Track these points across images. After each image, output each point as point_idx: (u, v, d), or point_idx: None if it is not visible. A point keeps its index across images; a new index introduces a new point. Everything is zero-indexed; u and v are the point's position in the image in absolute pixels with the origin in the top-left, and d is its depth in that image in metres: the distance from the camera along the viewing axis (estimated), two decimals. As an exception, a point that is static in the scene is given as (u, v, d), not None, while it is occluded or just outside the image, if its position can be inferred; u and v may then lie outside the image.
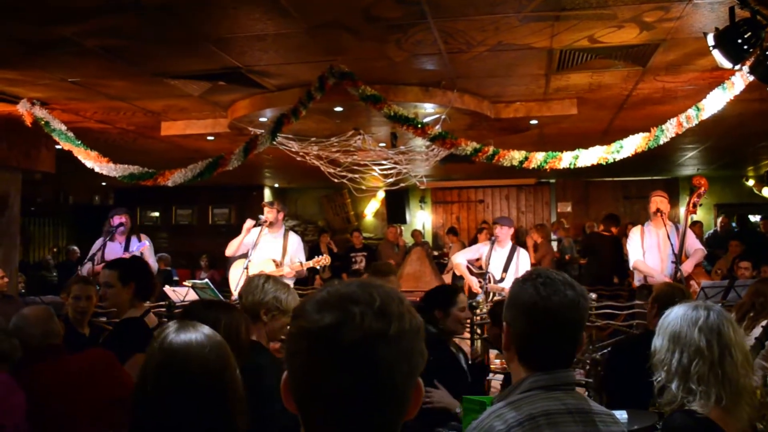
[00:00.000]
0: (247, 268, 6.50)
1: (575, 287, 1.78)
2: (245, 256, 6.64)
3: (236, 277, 6.59)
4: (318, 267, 6.99)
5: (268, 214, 6.80)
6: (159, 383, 1.77)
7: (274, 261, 6.74)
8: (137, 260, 4.59)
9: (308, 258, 7.11)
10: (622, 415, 3.02)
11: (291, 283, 6.71)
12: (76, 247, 12.28)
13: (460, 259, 7.02)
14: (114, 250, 6.79)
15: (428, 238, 14.54)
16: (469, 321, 5.26)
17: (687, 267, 6.05)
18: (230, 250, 6.92)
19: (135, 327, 3.72)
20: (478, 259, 6.96)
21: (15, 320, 3.26)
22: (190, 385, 1.77)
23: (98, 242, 6.75)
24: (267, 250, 6.78)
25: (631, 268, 6.46)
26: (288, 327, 1.14)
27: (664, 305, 3.50)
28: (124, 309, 3.83)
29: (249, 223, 6.89)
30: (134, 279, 3.83)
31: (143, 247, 7.00)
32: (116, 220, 6.90)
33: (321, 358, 1.02)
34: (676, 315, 2.20)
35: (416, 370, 1.07)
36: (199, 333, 1.84)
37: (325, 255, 7.28)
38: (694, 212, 6.49)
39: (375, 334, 1.02)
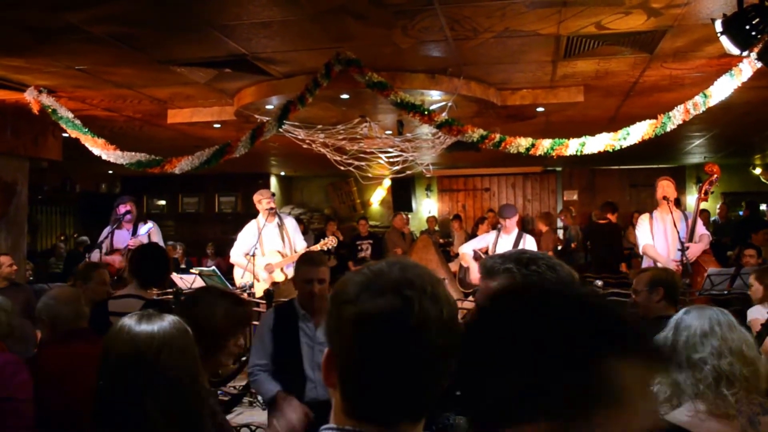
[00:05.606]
0: (254, 255, 6.54)
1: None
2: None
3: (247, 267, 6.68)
4: (326, 249, 7.05)
5: (272, 203, 6.84)
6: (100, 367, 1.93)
7: (280, 252, 6.80)
8: (140, 247, 4.65)
9: (315, 243, 7.17)
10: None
11: (290, 271, 6.80)
12: (86, 237, 12.32)
13: (467, 249, 7.04)
14: (122, 237, 6.84)
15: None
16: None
17: (694, 251, 6.01)
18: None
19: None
20: (485, 248, 6.98)
21: (45, 300, 3.27)
22: (112, 368, 1.89)
23: (106, 230, 6.79)
24: (272, 241, 6.83)
25: (640, 252, 6.46)
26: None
27: (670, 289, 3.52)
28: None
29: None
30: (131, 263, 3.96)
31: (150, 230, 7.03)
32: (122, 208, 6.93)
33: (374, 344, 1.01)
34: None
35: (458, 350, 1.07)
36: (137, 321, 1.92)
37: (330, 237, 7.32)
38: (706, 200, 6.45)
39: (431, 319, 1.01)
